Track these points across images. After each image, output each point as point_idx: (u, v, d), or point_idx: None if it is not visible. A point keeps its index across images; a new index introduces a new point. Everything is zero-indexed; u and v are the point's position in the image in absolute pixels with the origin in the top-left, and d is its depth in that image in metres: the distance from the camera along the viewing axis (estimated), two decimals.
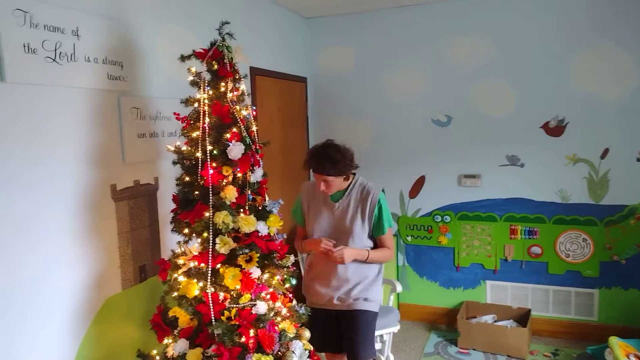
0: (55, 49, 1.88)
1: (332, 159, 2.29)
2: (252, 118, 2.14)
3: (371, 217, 2.43)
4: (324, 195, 2.45)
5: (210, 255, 1.93)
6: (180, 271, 2.01)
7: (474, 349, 3.68)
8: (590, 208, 3.68)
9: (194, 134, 2.00)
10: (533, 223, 3.83)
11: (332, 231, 2.47)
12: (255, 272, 1.97)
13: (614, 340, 3.16)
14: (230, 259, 1.96)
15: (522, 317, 3.81)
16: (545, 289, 3.86)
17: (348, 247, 2.39)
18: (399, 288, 3.28)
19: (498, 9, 3.72)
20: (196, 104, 2.04)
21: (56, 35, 1.89)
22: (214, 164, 1.96)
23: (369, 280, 2.49)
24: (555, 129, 3.70)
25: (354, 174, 2.49)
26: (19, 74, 1.75)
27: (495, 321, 3.85)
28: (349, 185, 2.46)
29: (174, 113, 2.09)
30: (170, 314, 2.05)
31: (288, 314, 2.12)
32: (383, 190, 2.34)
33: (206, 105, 2.00)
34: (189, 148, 2.02)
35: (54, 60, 1.88)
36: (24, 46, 1.76)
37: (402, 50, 4.03)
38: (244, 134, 2.02)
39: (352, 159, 2.38)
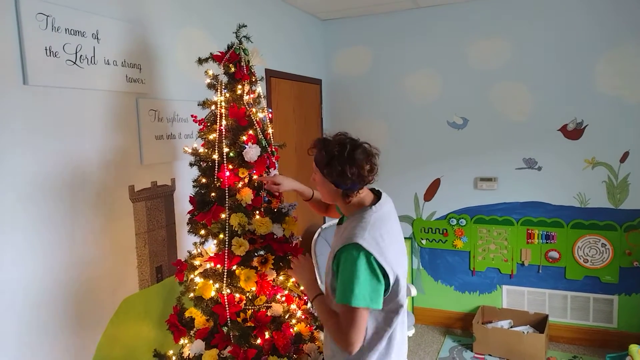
0: (76, 52, 1.91)
1: (325, 144, 1.63)
2: (267, 120, 2.14)
3: (329, 272, 1.66)
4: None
5: (226, 256, 1.94)
6: (196, 272, 2.02)
7: (490, 355, 3.63)
8: (609, 212, 3.62)
9: (211, 136, 2.01)
10: (550, 227, 3.78)
11: None
12: (271, 274, 1.98)
13: (634, 349, 3.10)
14: (245, 261, 1.97)
15: (539, 323, 3.76)
16: (563, 294, 3.80)
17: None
18: (414, 292, 3.27)
19: (518, 10, 3.68)
20: (213, 107, 2.06)
21: (77, 39, 1.92)
22: (230, 166, 1.97)
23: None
24: (573, 132, 3.65)
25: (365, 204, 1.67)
26: (40, 76, 1.78)
27: (512, 326, 3.80)
28: (353, 213, 1.66)
29: (191, 115, 2.11)
30: (187, 314, 2.07)
31: (303, 317, 2.13)
32: (362, 248, 1.51)
33: (223, 107, 2.01)
34: (206, 150, 2.04)
35: (74, 63, 1.91)
36: (46, 49, 1.79)
37: (419, 51, 4.01)
38: (260, 136, 2.03)
39: (344, 171, 1.57)
